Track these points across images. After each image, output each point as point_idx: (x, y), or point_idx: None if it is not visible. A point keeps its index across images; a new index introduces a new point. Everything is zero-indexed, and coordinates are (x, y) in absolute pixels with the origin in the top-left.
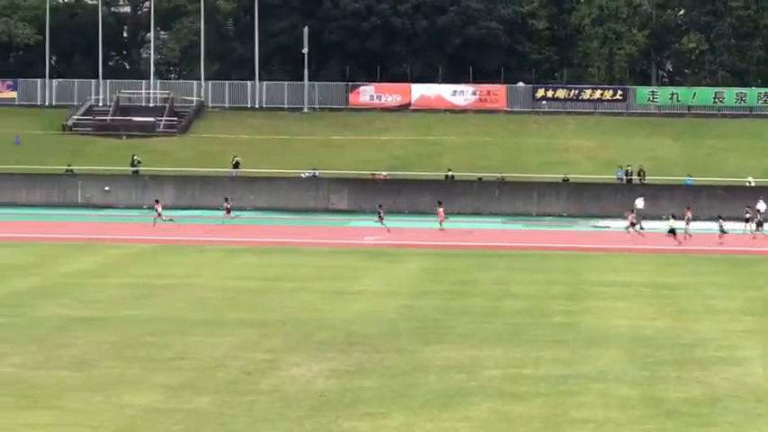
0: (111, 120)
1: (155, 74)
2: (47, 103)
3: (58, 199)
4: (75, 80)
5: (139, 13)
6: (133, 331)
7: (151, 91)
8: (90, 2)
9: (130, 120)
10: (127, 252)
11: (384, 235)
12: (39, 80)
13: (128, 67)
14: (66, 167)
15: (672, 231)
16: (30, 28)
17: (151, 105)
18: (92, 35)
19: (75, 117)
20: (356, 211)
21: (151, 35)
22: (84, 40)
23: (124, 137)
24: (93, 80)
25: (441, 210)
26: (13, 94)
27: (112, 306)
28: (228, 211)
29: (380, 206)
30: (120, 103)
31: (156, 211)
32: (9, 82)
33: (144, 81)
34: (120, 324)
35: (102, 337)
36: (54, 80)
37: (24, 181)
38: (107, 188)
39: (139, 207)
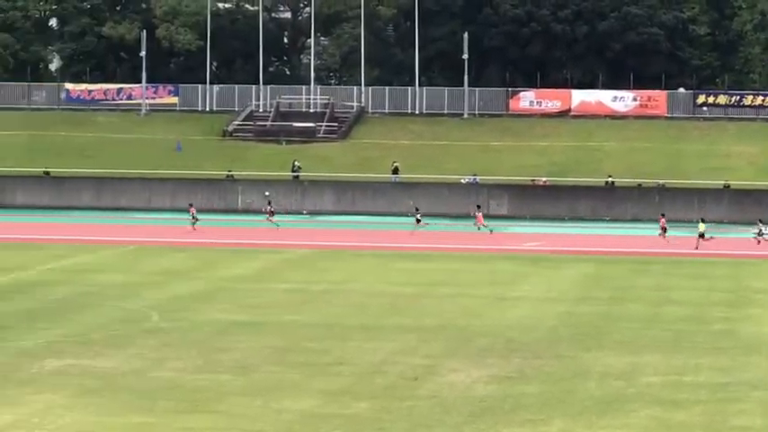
0: (272, 125)
1: (315, 79)
2: (207, 109)
3: (218, 204)
4: (236, 86)
5: (300, 18)
6: (292, 336)
7: (311, 96)
8: (251, 8)
9: (291, 125)
10: (285, 257)
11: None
12: (200, 86)
13: (288, 72)
14: (227, 173)
15: None
16: (191, 34)
17: (311, 111)
18: (252, 41)
19: (236, 123)
20: (516, 216)
21: (311, 41)
22: (244, 45)
23: (284, 142)
24: (253, 86)
25: (479, 214)
26: (175, 100)
27: (272, 311)
28: (272, 213)
29: (417, 209)
30: (281, 109)
31: (192, 215)
32: (170, 87)
33: (304, 87)
34: (280, 329)
35: (262, 341)
36: (215, 86)
37: (185, 186)
38: (267, 193)
39: (299, 213)
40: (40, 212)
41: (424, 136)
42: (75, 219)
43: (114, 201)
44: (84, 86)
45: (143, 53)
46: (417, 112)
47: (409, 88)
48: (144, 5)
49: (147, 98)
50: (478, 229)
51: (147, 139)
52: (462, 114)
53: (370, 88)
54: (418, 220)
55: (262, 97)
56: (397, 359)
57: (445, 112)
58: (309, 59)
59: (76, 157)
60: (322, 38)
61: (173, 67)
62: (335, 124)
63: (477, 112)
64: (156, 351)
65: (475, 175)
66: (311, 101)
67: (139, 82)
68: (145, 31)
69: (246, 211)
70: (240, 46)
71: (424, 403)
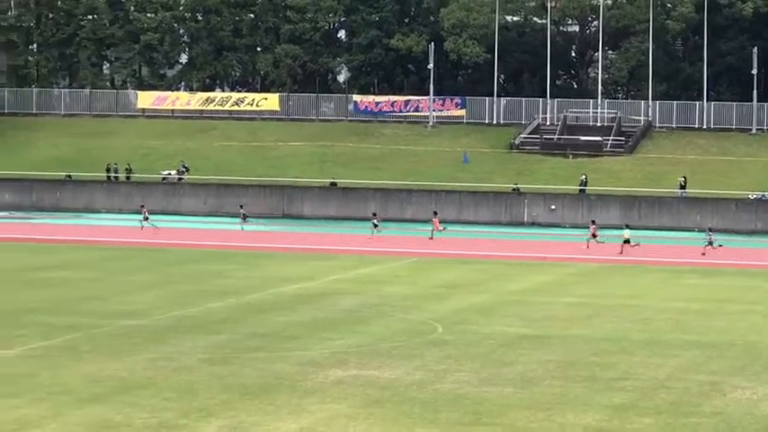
0: (558, 139)
1: (602, 93)
2: (494, 122)
3: (504, 217)
4: (523, 99)
5: (587, 32)
6: (577, 350)
7: (598, 110)
8: (539, 21)
9: (577, 139)
10: (571, 271)
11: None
12: (487, 99)
13: (575, 86)
14: (513, 186)
15: None
16: (479, 46)
17: (598, 125)
18: (540, 54)
19: (523, 136)
20: None
21: (599, 54)
22: (532, 58)
23: (570, 156)
24: (540, 99)
25: (435, 219)
26: (462, 112)
27: (556, 324)
28: (244, 217)
29: (375, 214)
30: (568, 123)
31: (144, 215)
32: (457, 100)
33: (591, 100)
34: (565, 343)
35: (546, 355)
36: (502, 99)
37: (471, 198)
38: (553, 207)
39: (584, 227)
40: (326, 223)
41: (711, 151)
42: (362, 230)
43: (401, 212)
44: (371, 98)
45: (431, 65)
46: (705, 126)
47: (697, 103)
48: (432, 18)
49: (434, 110)
50: (431, 237)
51: (433, 152)
52: (750, 130)
53: (657, 102)
54: (375, 225)
55: (549, 110)
56: (681, 375)
57: (733, 127)
58: (597, 73)
59: (363, 168)
60: (610, 51)
61: (460, 80)
62: (622, 138)
63: (765, 128)
64: (439, 363)
65: (764, 192)
66: (598, 115)
67: (427, 94)
68: (433, 43)
69: (532, 224)
70: (528, 59)
71: (708, 420)
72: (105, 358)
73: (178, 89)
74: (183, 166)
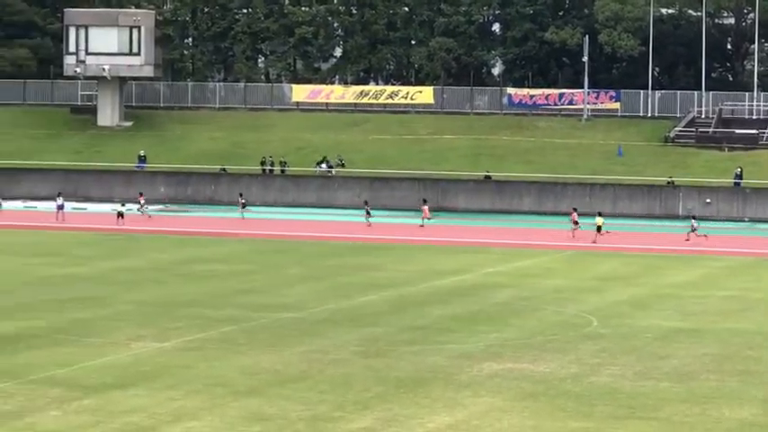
0: (714, 132)
1: (758, 86)
2: (649, 115)
3: (659, 210)
4: (678, 91)
5: (743, 24)
6: (732, 344)
7: (754, 103)
8: (694, 13)
9: (732, 132)
10: (726, 264)
11: None
12: (641, 91)
13: (730, 78)
14: (668, 179)
15: None
16: (633, 39)
17: (754, 118)
18: (695, 46)
19: (678, 129)
20: None
21: (755, 47)
22: (687, 51)
23: (726, 149)
24: (695, 92)
25: (425, 207)
26: (616, 105)
27: (710, 318)
28: (368, 213)
29: (366, 202)
30: (723, 116)
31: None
32: (612, 93)
33: (747, 93)
34: (719, 336)
35: (701, 349)
36: (656, 91)
37: (625, 191)
38: (708, 200)
39: (740, 219)
40: (480, 216)
41: None
42: (516, 223)
43: (555, 205)
44: (525, 91)
45: (585, 58)
46: None
47: None
48: (586, 11)
49: (588, 103)
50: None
51: (587, 145)
52: None
53: None
54: (368, 213)
55: (704, 103)
56: None
57: None
58: (753, 65)
59: (518, 161)
60: (766, 44)
61: (614, 72)
62: None
63: None
64: (594, 356)
65: None
66: (754, 107)
67: (581, 87)
68: (587, 36)
69: (687, 218)
70: (682, 51)
71: None
72: (261, 351)
73: (332, 82)
74: (340, 160)
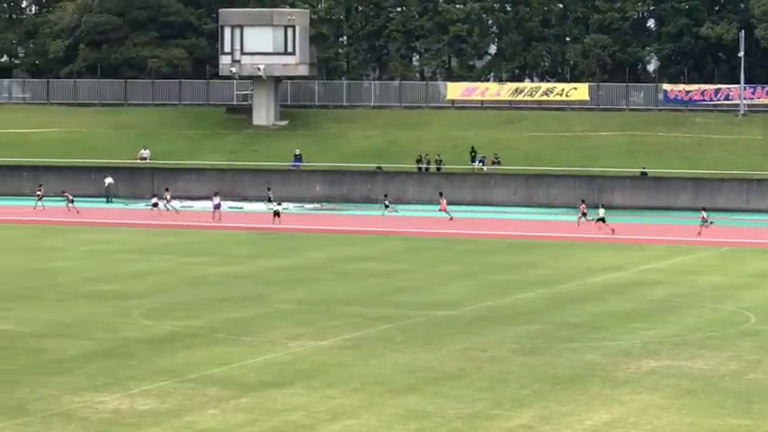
0: None
1: None
2: None
3: None
4: None
5: None
6: None
7: None
8: None
9: None
10: None
11: None
12: None
13: None
14: None
15: None
16: None
17: None
18: None
19: None
20: None
21: None
22: None
23: None
24: None
25: (443, 200)
26: None
27: None
28: (387, 206)
29: (386, 195)
30: None
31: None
32: None
33: None
34: None
35: None
36: None
37: None
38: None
39: None
40: (637, 213)
41: None
42: (673, 219)
43: (712, 202)
44: (681, 87)
45: (741, 53)
46: None
47: None
48: (742, 5)
49: (744, 99)
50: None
51: (744, 140)
52: None
53: None
54: (387, 206)
55: None
56: None
57: None
58: None
59: (675, 157)
60: None
61: None
62: None
63: None
64: (752, 353)
65: None
66: None
67: (737, 82)
68: (743, 31)
69: None
70: None
71: None
72: (417, 349)
73: (487, 80)
74: (496, 158)
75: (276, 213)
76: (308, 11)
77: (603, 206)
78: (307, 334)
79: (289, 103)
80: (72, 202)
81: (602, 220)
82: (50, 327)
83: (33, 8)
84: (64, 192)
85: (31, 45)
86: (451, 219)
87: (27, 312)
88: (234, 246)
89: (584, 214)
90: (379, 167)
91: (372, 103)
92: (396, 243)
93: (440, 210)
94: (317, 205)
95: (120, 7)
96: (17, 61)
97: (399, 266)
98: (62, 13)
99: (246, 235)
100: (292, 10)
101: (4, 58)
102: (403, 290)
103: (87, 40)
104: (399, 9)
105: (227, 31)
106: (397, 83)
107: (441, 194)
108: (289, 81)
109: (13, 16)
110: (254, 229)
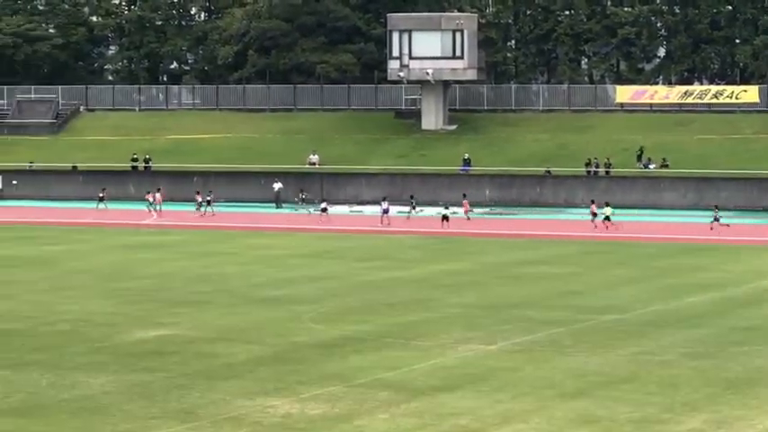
0: None
1: None
2: None
3: None
4: None
5: None
6: None
7: None
8: None
9: None
10: None
11: None
12: None
13: None
14: None
15: None
16: None
17: None
18: None
19: None
20: None
21: None
22: None
23: None
24: None
25: (465, 201)
26: None
27: None
28: (413, 207)
29: (412, 196)
30: None
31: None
32: None
33: None
34: None
35: None
36: None
37: None
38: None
39: None
40: None
41: None
42: None
43: None
44: None
45: None
46: None
47: None
48: None
49: None
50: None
51: None
52: None
53: None
54: (413, 207)
55: None
56: None
57: None
58: None
59: None
60: None
61: None
62: None
63: None
64: None
65: None
66: None
67: None
68: None
69: None
70: None
71: None
72: (588, 353)
73: (656, 83)
74: (664, 162)
75: (445, 218)
76: (475, 15)
77: (608, 204)
78: (476, 338)
79: (457, 107)
80: (209, 204)
81: (608, 218)
82: (221, 331)
83: (202, 15)
84: (198, 192)
85: (201, 51)
86: (468, 219)
87: (198, 317)
88: (403, 250)
89: (595, 215)
90: (548, 171)
91: (541, 107)
92: (566, 247)
93: (464, 212)
94: (487, 209)
95: (289, 13)
96: (187, 68)
97: (569, 270)
98: (231, 19)
99: (415, 239)
100: (460, 14)
101: (174, 65)
102: (573, 293)
103: (256, 45)
104: (567, 12)
105: (396, 36)
106: (565, 86)
107: (464, 196)
108: (457, 85)
109: (183, 23)
110: (423, 234)
